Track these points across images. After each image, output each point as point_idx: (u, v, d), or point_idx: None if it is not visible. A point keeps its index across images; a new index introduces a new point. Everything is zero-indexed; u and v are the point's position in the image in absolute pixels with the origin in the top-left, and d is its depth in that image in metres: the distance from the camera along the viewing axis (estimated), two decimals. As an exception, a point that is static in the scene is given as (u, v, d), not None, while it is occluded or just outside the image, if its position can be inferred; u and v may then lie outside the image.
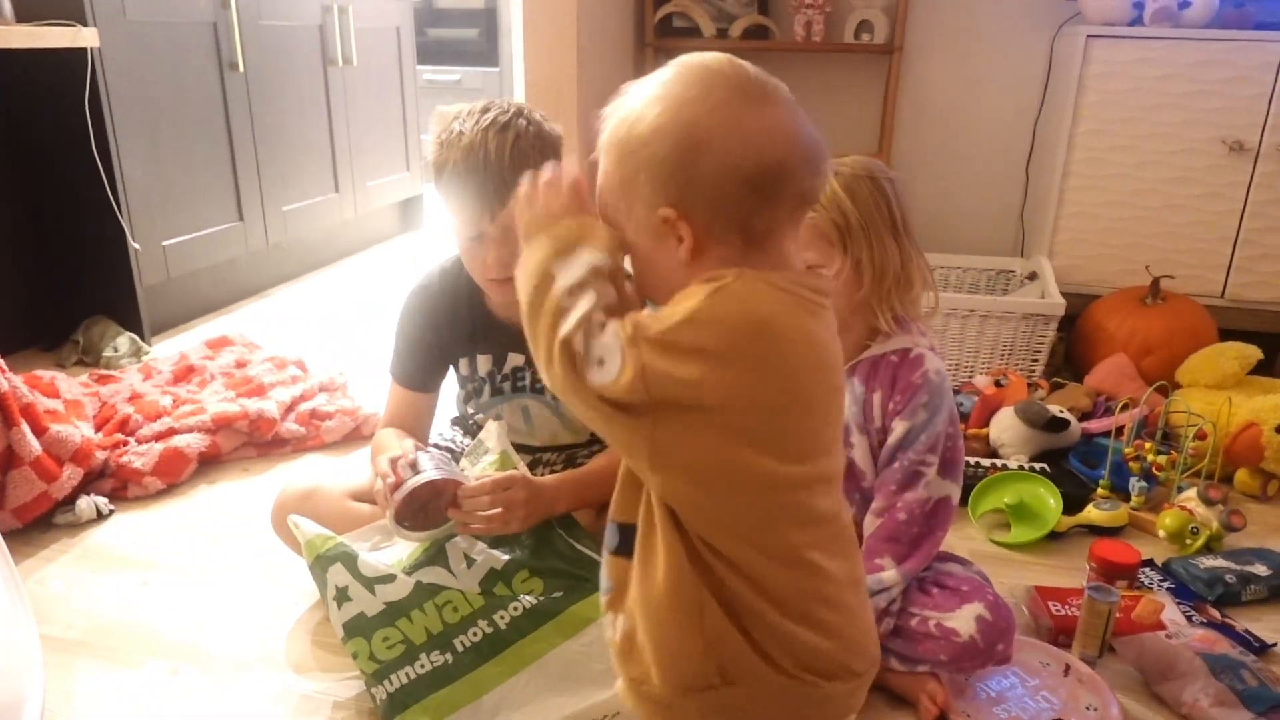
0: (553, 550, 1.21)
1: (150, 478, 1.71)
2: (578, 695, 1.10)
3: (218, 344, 2.33)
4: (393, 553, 1.25)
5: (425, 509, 1.17)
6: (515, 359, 1.38)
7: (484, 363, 1.39)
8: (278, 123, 2.82)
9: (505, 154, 1.15)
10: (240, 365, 2.19)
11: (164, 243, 2.42)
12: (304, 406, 1.98)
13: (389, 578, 1.15)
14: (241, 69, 2.60)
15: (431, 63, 4.53)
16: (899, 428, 1.18)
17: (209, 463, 1.83)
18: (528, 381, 1.39)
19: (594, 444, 1.45)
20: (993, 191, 2.85)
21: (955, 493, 1.19)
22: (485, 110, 1.19)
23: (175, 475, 1.74)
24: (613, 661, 0.80)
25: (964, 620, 1.14)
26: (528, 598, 1.15)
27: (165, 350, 2.36)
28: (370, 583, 1.15)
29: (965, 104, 2.83)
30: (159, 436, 1.80)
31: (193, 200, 2.52)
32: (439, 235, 3.69)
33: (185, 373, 2.15)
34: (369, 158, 3.36)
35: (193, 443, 1.79)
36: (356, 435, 1.97)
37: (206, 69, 2.52)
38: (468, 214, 1.19)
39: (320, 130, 3.06)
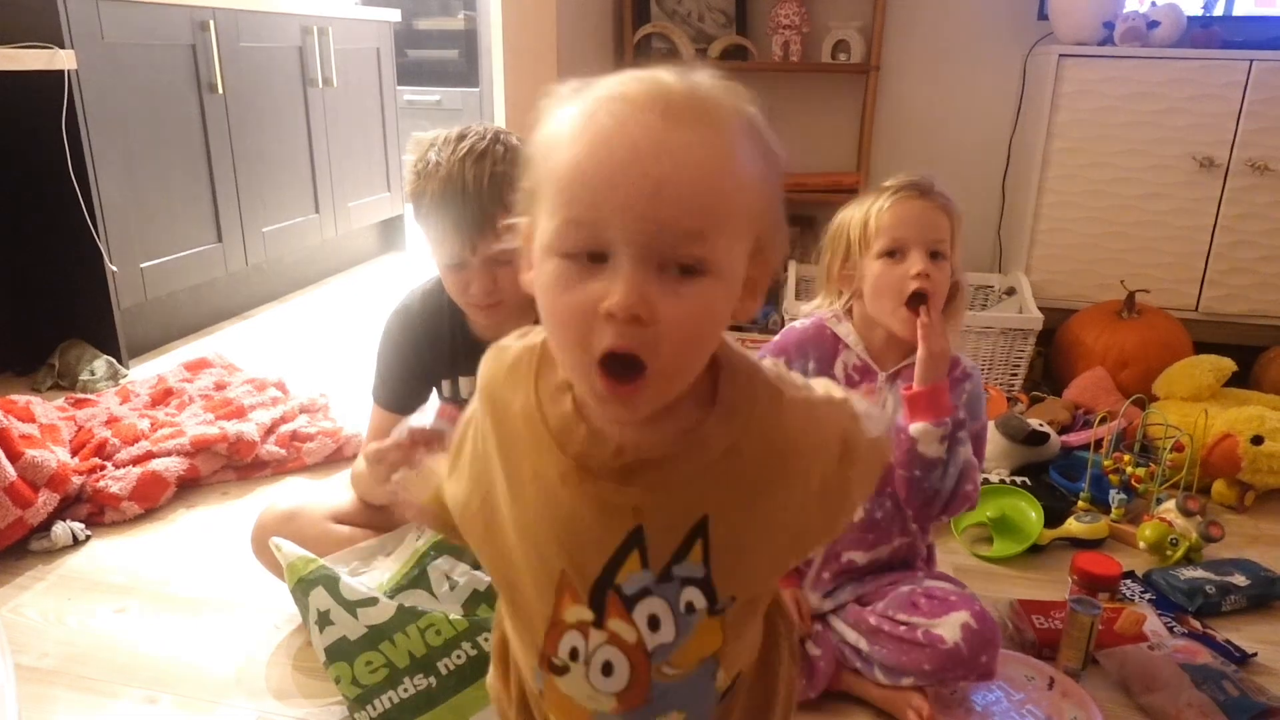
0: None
1: (127, 502, 1.69)
2: (563, 717, 1.09)
3: (196, 366, 2.31)
4: (374, 576, 1.24)
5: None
6: None
7: (466, 384, 1.38)
8: (257, 144, 2.81)
9: (483, 183, 1.15)
10: (219, 387, 2.17)
11: (142, 265, 2.41)
12: (285, 428, 1.97)
13: (371, 601, 1.14)
14: (220, 90, 2.60)
15: (412, 83, 4.54)
16: None
17: (188, 486, 1.80)
18: None
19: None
20: (970, 208, 2.83)
21: (979, 480, 1.24)
22: (461, 138, 1.18)
23: (153, 499, 1.72)
24: None
25: (950, 627, 1.15)
26: (512, 619, 1.14)
27: (143, 373, 2.34)
28: (352, 606, 1.14)
29: (941, 122, 2.87)
30: (136, 460, 1.78)
31: (171, 222, 2.51)
32: (421, 257, 3.68)
33: (163, 395, 2.13)
34: (349, 178, 3.36)
35: (171, 466, 1.77)
36: (338, 456, 1.95)
37: (185, 91, 2.51)
38: (448, 245, 1.18)
39: (300, 151, 3.06)
